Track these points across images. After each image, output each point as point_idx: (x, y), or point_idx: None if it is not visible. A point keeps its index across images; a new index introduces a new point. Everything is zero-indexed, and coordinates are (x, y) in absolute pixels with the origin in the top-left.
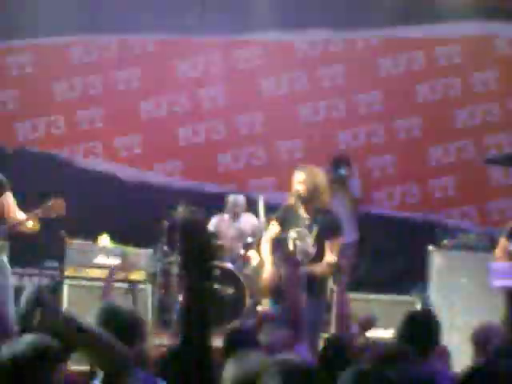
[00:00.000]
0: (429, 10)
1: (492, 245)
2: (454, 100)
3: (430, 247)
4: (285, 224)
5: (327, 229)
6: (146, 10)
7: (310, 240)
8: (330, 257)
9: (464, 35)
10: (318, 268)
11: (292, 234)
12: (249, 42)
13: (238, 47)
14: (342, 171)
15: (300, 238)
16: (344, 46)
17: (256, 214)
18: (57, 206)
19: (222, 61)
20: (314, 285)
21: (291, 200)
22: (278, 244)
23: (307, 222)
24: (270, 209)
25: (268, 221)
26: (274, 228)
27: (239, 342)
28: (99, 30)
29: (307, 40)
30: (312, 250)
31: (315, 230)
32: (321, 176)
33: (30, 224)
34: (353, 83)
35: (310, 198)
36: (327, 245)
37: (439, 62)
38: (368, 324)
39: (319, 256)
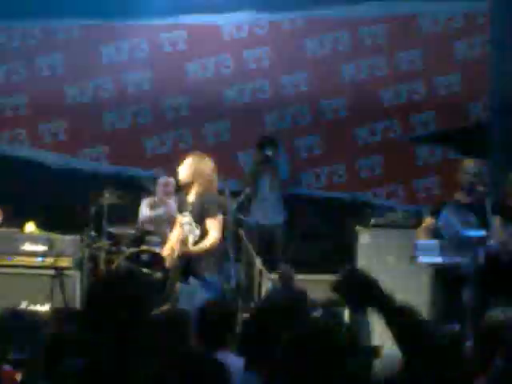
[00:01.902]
0: None
1: (418, 222)
2: (379, 79)
3: (358, 226)
4: (179, 207)
5: (203, 210)
6: None
7: (193, 222)
8: (210, 236)
9: (388, 14)
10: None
11: (182, 217)
12: (174, 26)
13: (163, 31)
14: (268, 152)
15: (188, 222)
16: (269, 28)
17: None
18: None
19: (147, 45)
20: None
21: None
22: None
23: (190, 206)
24: None
25: None
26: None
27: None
28: (22, 16)
29: (232, 23)
30: (197, 232)
31: (194, 212)
32: (204, 164)
33: None
34: (278, 65)
35: (189, 184)
36: (209, 224)
37: (364, 41)
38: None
39: (202, 236)
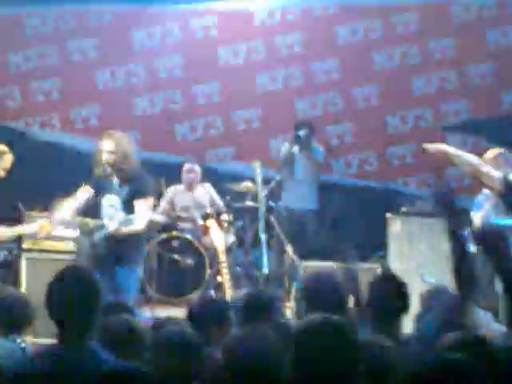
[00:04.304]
0: None
1: None
2: (411, 67)
3: (388, 214)
4: (100, 191)
5: (137, 191)
6: None
7: (118, 205)
8: (143, 216)
9: (420, 2)
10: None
11: (105, 201)
12: (206, 11)
13: (195, 16)
14: (300, 132)
15: (112, 204)
16: (301, 14)
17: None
18: (46, 226)
19: (179, 30)
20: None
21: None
22: None
23: (118, 188)
24: (231, 178)
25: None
26: None
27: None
28: (55, 1)
29: (265, 8)
30: (121, 215)
31: (125, 194)
32: (128, 141)
33: None
34: (310, 52)
35: (120, 166)
36: (139, 205)
37: (396, 29)
38: None
39: None
